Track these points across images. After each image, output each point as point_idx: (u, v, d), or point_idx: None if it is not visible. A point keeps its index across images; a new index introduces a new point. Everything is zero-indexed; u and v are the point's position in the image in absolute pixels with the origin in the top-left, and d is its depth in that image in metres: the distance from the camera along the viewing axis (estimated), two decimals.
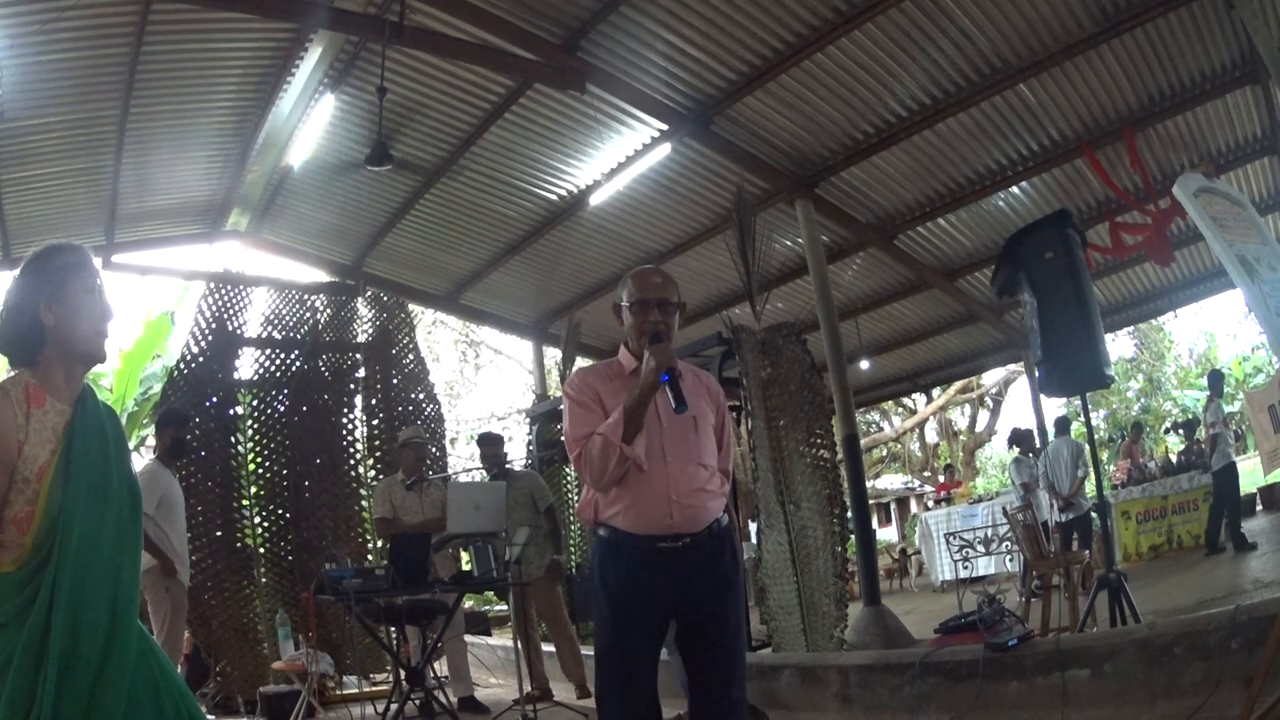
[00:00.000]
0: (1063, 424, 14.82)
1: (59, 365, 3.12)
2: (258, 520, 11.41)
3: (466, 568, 9.23)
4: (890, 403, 32.73)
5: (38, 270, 3.15)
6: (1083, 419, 13.84)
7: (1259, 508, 19.42)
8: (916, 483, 36.24)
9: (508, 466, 10.08)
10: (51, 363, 3.11)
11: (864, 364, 18.67)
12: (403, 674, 8.51)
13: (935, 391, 30.35)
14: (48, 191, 12.58)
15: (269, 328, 12.10)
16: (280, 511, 11.59)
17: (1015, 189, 13.29)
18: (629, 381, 4.01)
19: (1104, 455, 27.22)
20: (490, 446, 10.06)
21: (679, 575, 3.92)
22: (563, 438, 4.32)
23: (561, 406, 4.21)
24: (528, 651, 9.19)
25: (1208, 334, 39.40)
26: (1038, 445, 15.91)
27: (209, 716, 10.01)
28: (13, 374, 3.12)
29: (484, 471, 10.22)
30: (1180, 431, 20.46)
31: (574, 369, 3.89)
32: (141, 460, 11.79)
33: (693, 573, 3.94)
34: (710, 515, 4.03)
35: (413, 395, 12.76)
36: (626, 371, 4.11)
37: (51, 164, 11.98)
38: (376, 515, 9.57)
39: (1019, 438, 15.11)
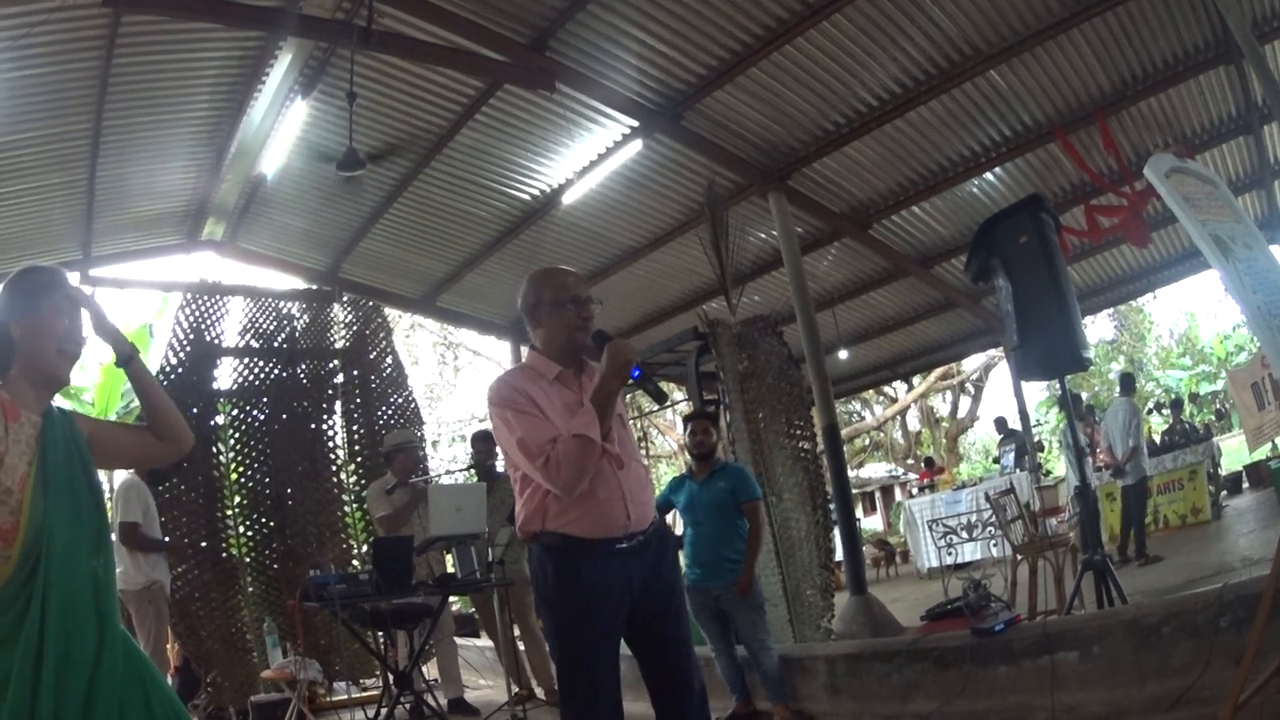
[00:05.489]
0: (1128, 382, 14.69)
1: (27, 381, 3.18)
2: (243, 529, 11.33)
3: (450, 570, 9.20)
4: (871, 391, 32.76)
5: (12, 289, 3.25)
6: (1102, 398, 13.88)
7: (1245, 485, 19.48)
8: (900, 470, 36.29)
9: (490, 465, 10.03)
10: (21, 378, 3.18)
11: (842, 354, 18.65)
12: (391, 678, 8.50)
13: (916, 379, 30.39)
14: (23, 208, 12.50)
15: (246, 336, 12.00)
16: (264, 520, 11.50)
17: (989, 175, 13.33)
18: (557, 385, 3.96)
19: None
20: (482, 444, 10.07)
21: (636, 574, 3.91)
22: (503, 451, 4.12)
23: (492, 420, 4.03)
24: (510, 652, 9.19)
25: (1188, 313, 39.74)
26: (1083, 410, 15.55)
27: None
28: None
29: (472, 470, 10.22)
30: (1165, 411, 20.46)
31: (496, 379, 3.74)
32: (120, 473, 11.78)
33: (647, 570, 3.96)
34: (653, 511, 4.09)
35: (392, 399, 12.68)
36: (550, 375, 4.00)
37: (26, 180, 11.90)
38: (379, 515, 9.51)
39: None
